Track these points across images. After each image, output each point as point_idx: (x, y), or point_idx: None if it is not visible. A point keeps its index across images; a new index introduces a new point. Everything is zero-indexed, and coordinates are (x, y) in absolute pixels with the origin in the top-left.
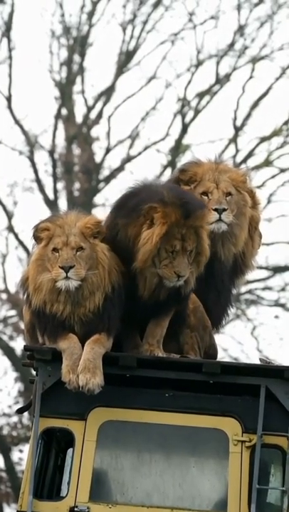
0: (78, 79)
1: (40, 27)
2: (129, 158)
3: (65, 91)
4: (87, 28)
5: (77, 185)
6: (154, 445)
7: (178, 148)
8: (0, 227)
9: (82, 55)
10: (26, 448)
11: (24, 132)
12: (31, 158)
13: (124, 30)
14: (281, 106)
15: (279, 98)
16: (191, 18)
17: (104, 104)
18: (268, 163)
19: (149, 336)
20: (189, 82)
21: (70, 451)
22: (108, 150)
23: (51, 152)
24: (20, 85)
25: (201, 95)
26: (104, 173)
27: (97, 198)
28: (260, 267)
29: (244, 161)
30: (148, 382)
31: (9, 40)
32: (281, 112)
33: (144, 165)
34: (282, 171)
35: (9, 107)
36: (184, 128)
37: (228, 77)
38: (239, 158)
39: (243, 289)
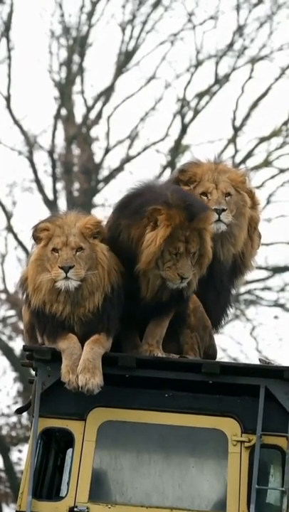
0: (78, 79)
1: (40, 27)
2: (128, 159)
3: (64, 91)
4: (87, 28)
5: (76, 185)
6: (154, 445)
7: (177, 149)
8: None
9: (82, 56)
10: (25, 448)
11: (23, 132)
12: (30, 159)
13: (123, 30)
14: (280, 106)
15: (278, 98)
16: (191, 18)
17: (104, 104)
18: (267, 163)
19: (149, 336)
20: (189, 82)
21: (69, 451)
22: (107, 150)
23: (50, 152)
24: (19, 85)
25: (200, 95)
26: (104, 173)
27: (97, 198)
28: (260, 268)
29: (243, 161)
30: (147, 383)
31: (8, 40)
32: (280, 112)
33: (143, 165)
34: (282, 171)
35: (8, 107)
36: (184, 128)
37: (227, 77)
38: (238, 159)
39: (243, 289)
